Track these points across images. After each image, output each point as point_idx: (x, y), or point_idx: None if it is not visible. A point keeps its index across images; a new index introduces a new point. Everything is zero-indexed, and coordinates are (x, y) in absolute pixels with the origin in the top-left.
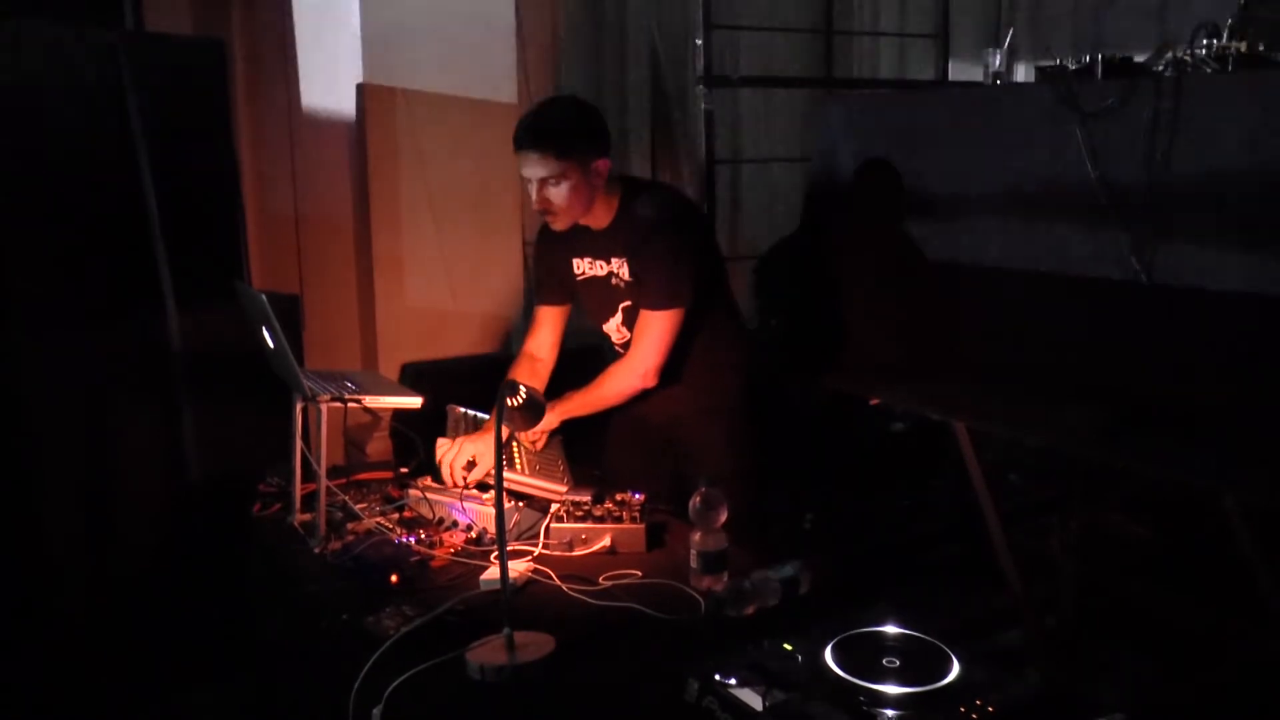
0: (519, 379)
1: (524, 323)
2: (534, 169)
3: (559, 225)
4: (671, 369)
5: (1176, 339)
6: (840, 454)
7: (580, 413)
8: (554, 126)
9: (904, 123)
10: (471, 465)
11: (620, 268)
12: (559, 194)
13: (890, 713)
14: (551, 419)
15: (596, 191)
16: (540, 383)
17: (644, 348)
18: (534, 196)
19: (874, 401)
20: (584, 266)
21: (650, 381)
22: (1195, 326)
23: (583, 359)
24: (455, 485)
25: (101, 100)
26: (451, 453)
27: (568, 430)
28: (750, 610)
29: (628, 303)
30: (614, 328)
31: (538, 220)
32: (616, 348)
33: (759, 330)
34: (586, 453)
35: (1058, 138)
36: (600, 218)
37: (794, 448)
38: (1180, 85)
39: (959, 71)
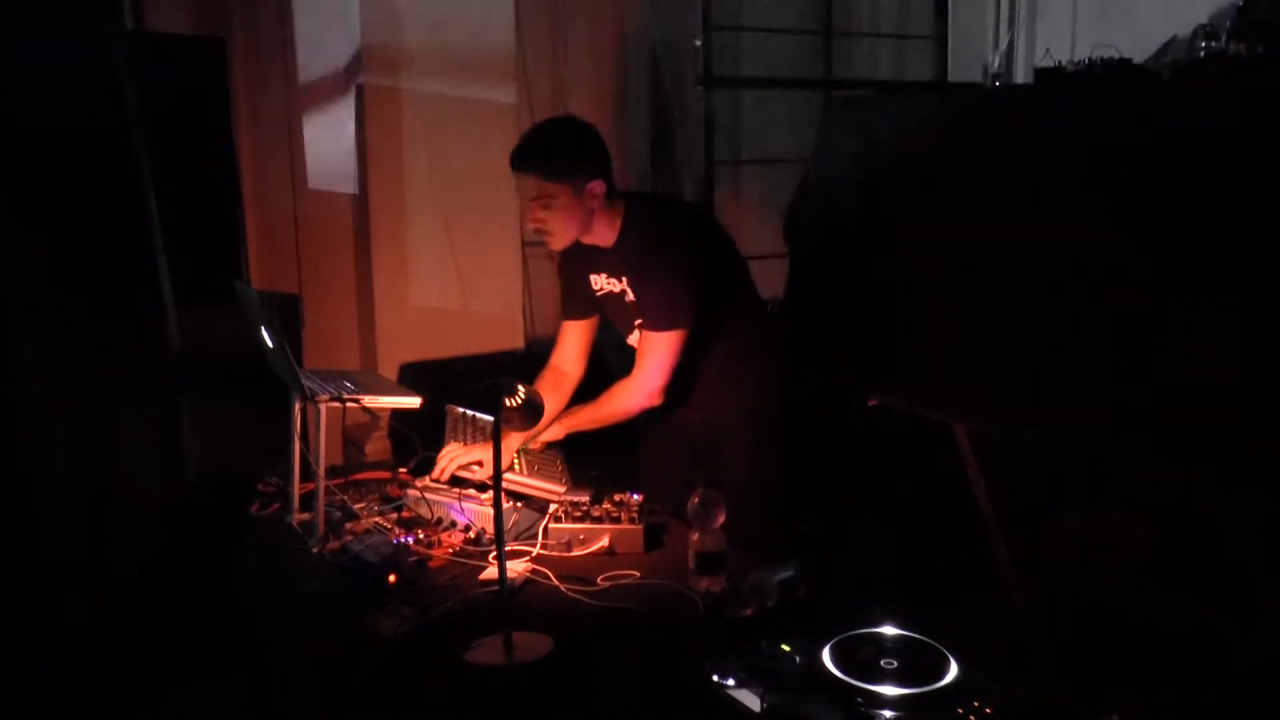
0: (542, 392)
1: (524, 322)
2: (526, 190)
3: (555, 245)
4: (701, 374)
5: (1176, 340)
6: (839, 455)
7: (585, 428)
8: (545, 148)
9: (903, 124)
10: (477, 467)
11: (629, 286)
12: (551, 215)
13: (888, 714)
14: (557, 430)
15: (593, 213)
16: (564, 396)
17: (647, 369)
18: (528, 216)
19: (872, 402)
20: (601, 283)
21: (656, 401)
22: (1195, 328)
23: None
24: (441, 479)
25: (101, 99)
26: (460, 455)
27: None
28: (748, 611)
29: (640, 319)
30: (635, 342)
31: None
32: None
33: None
34: (586, 456)
35: (1056, 139)
36: (605, 236)
37: (793, 448)
38: (1179, 87)
39: (958, 73)
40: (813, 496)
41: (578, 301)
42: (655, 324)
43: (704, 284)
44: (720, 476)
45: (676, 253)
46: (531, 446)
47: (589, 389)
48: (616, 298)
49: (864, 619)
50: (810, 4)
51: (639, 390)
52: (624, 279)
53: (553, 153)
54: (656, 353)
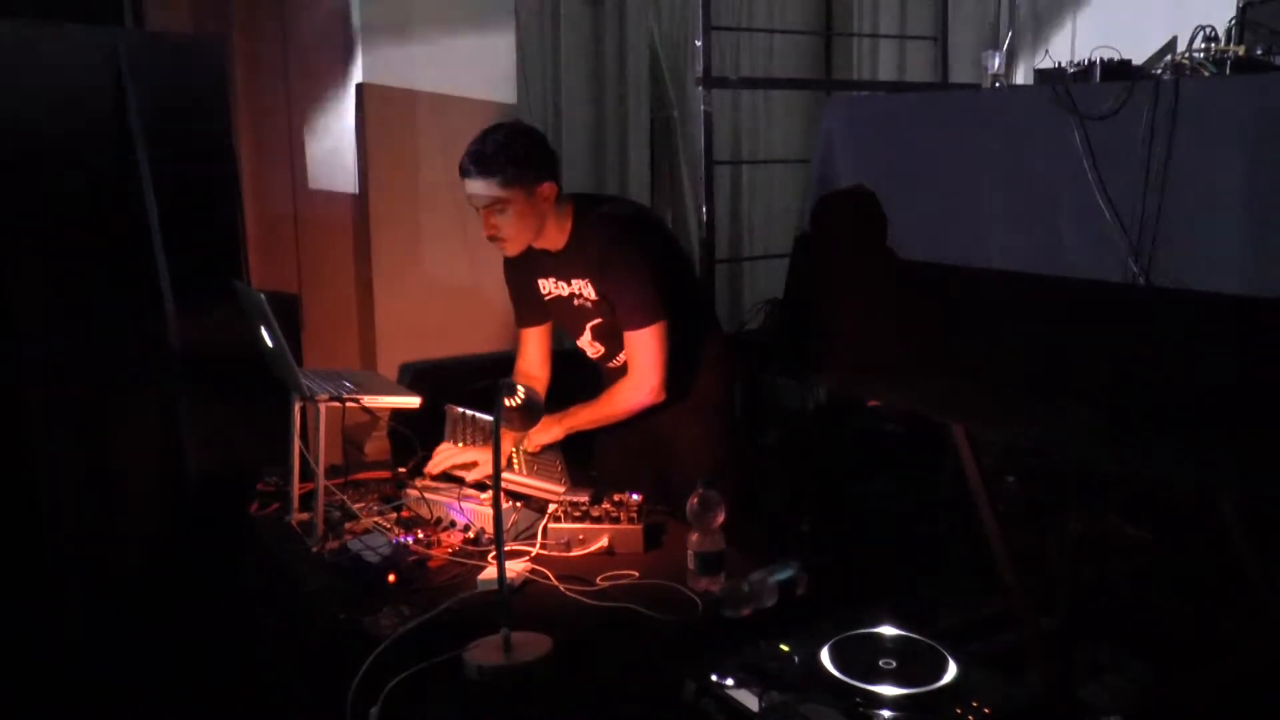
0: None
1: None
2: (478, 196)
3: (510, 251)
4: None
5: (1174, 341)
6: (837, 455)
7: (586, 428)
8: (495, 153)
9: (903, 125)
10: (473, 467)
11: (583, 288)
12: (505, 221)
13: (887, 714)
14: (557, 432)
15: (545, 216)
16: None
17: (641, 367)
18: (481, 224)
19: (872, 403)
20: (549, 286)
21: (659, 396)
22: (1193, 329)
23: (578, 358)
24: (431, 473)
25: (101, 99)
26: (455, 455)
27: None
28: (747, 611)
29: (596, 320)
30: (586, 344)
31: None
32: (593, 360)
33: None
34: (579, 456)
35: (1056, 140)
36: (555, 239)
37: (792, 449)
38: (1178, 88)
39: (958, 73)
40: (811, 496)
41: (530, 308)
42: (634, 323)
43: (663, 277)
44: (673, 472)
45: (636, 249)
46: (529, 449)
47: (588, 388)
48: (565, 301)
49: (862, 619)
50: (810, 4)
51: (639, 389)
52: (574, 282)
53: (506, 158)
54: (644, 350)
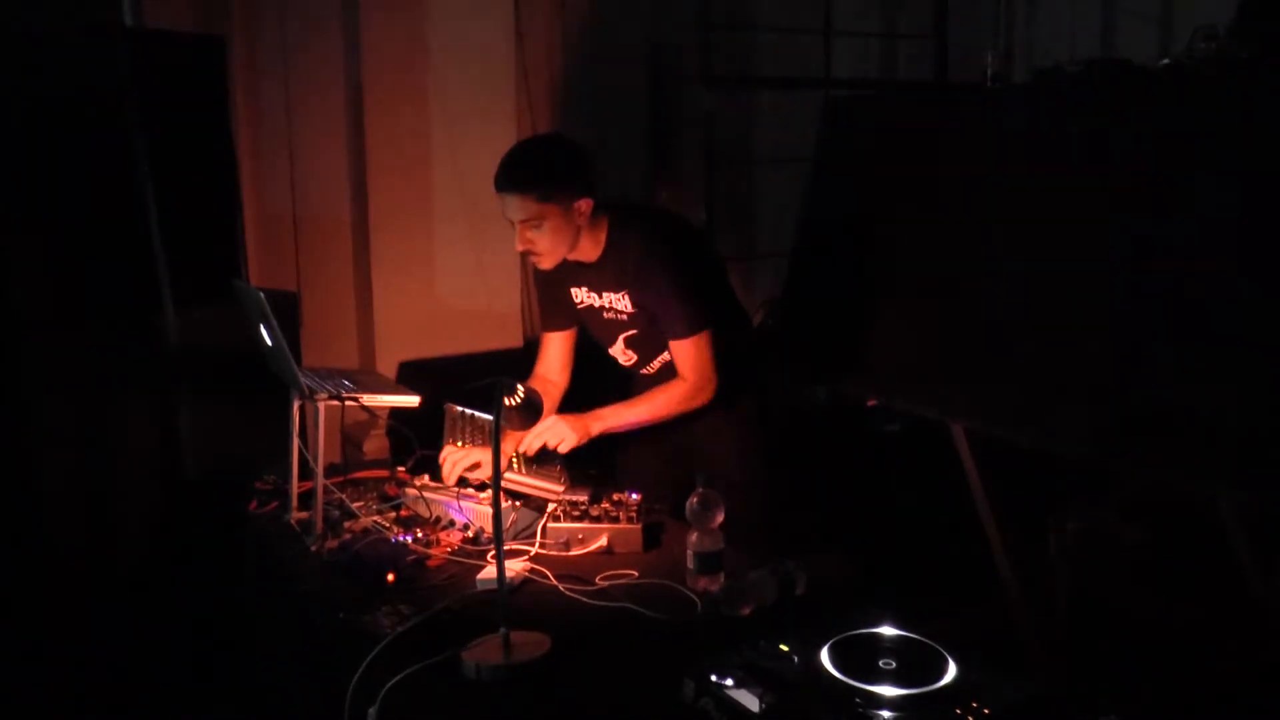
0: None
1: (522, 320)
2: (514, 212)
3: (544, 265)
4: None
5: (1174, 342)
6: (837, 454)
7: (626, 428)
8: (532, 169)
9: (902, 123)
10: (476, 468)
11: (615, 301)
12: (541, 236)
13: (886, 714)
14: (596, 426)
15: (581, 230)
16: (552, 404)
17: (698, 371)
18: (516, 238)
19: (871, 402)
20: (582, 296)
21: (710, 396)
22: (1193, 329)
23: (579, 357)
24: (453, 485)
25: (100, 97)
26: (459, 456)
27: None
28: (747, 611)
29: (630, 332)
30: (619, 352)
31: None
32: (625, 367)
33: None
34: (589, 456)
35: (1055, 139)
36: (589, 252)
37: (791, 448)
38: (1179, 88)
39: (957, 72)
40: (810, 495)
41: (558, 313)
42: (681, 332)
43: (704, 284)
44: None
45: (675, 260)
46: (567, 448)
47: (594, 391)
48: (596, 312)
49: (862, 619)
50: (810, 3)
51: (702, 391)
52: (605, 295)
53: (544, 173)
54: (694, 358)
